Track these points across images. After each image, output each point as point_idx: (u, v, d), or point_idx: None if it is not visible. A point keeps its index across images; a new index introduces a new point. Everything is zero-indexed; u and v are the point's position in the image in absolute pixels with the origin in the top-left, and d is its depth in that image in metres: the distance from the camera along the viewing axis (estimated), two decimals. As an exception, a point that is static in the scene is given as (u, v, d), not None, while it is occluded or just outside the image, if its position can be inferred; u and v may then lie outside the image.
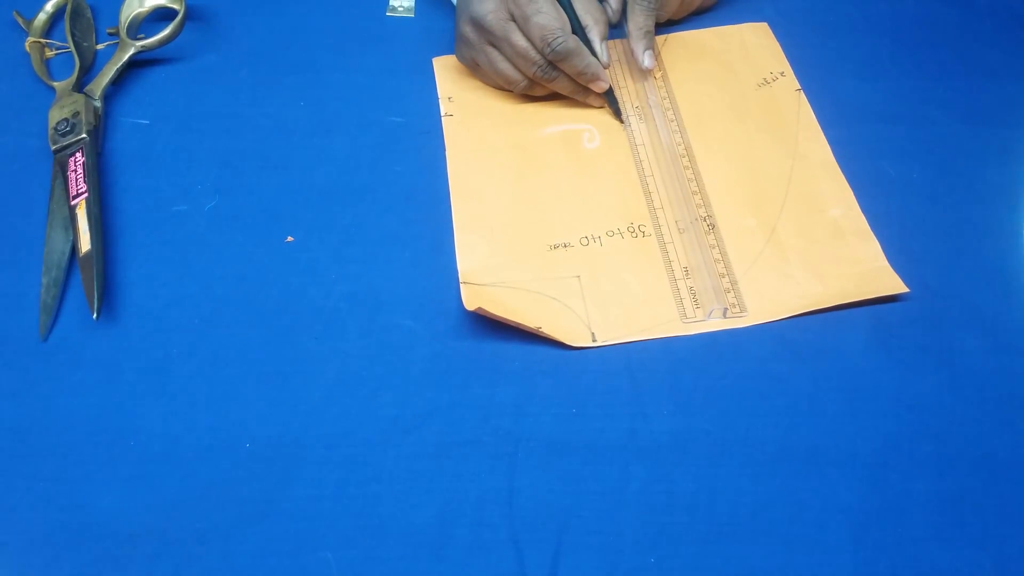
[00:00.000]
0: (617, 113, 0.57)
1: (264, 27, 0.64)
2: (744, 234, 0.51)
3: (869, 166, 0.55)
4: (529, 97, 0.57)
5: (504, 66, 0.55)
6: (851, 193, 0.52)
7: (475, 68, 0.57)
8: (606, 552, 0.40)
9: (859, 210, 0.51)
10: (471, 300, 0.46)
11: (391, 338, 0.47)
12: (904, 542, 0.41)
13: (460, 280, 0.48)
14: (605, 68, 0.55)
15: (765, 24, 0.62)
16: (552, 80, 0.55)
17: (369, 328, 0.48)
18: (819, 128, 0.56)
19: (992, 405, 0.45)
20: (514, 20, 0.53)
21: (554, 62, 0.53)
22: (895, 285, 0.48)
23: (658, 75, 0.59)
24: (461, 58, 0.58)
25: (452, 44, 0.59)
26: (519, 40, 0.53)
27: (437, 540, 0.41)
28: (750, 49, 0.60)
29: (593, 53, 0.54)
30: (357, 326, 0.48)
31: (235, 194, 0.54)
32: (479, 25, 0.54)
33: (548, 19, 0.52)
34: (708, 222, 0.51)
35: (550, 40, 0.52)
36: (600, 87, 0.55)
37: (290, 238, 0.52)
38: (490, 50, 0.55)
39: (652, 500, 0.42)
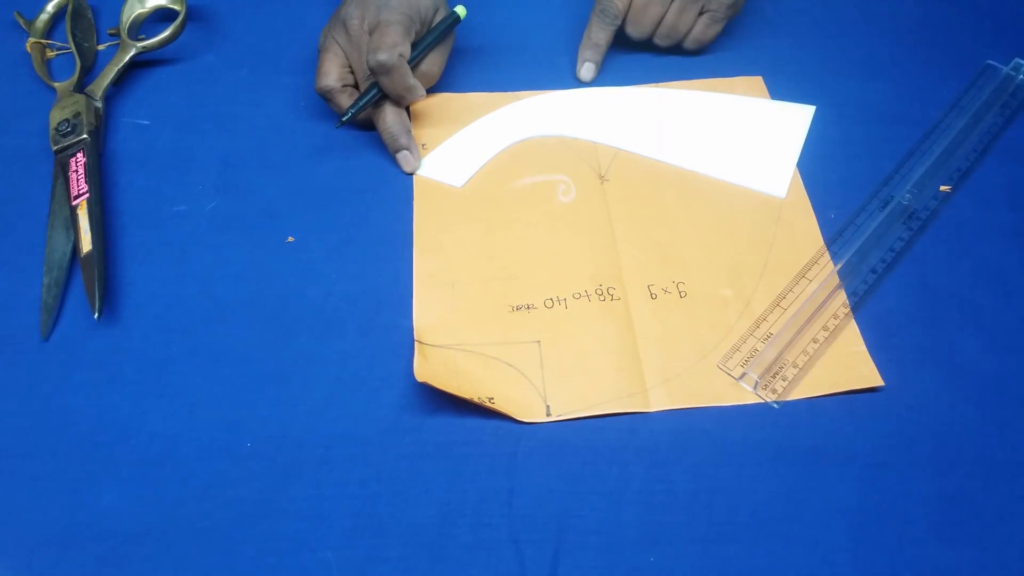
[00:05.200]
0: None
1: (264, 27, 0.64)
2: (717, 305, 0.48)
3: (869, 166, 0.55)
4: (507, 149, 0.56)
5: (329, 66, 0.55)
6: (832, 267, 0.49)
7: (321, 53, 0.56)
8: (606, 552, 0.40)
9: (841, 289, 0.49)
10: (421, 369, 0.44)
11: (391, 338, 0.47)
12: (904, 542, 0.41)
13: (415, 339, 0.46)
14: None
15: (759, 78, 0.60)
16: (376, 100, 0.54)
17: (369, 328, 0.48)
18: (805, 192, 0.54)
19: (992, 405, 0.45)
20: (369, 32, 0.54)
21: (373, 72, 0.52)
22: (872, 378, 0.45)
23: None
24: (322, 36, 0.57)
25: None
26: (363, 47, 0.54)
27: (437, 540, 0.41)
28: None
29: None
30: (357, 326, 0.48)
31: (235, 194, 0.54)
32: (342, 26, 0.54)
33: (390, 35, 0.52)
34: (680, 289, 0.49)
35: (375, 49, 0.52)
36: (410, 99, 0.54)
37: (290, 238, 0.52)
38: (335, 47, 0.55)
39: (652, 500, 0.42)
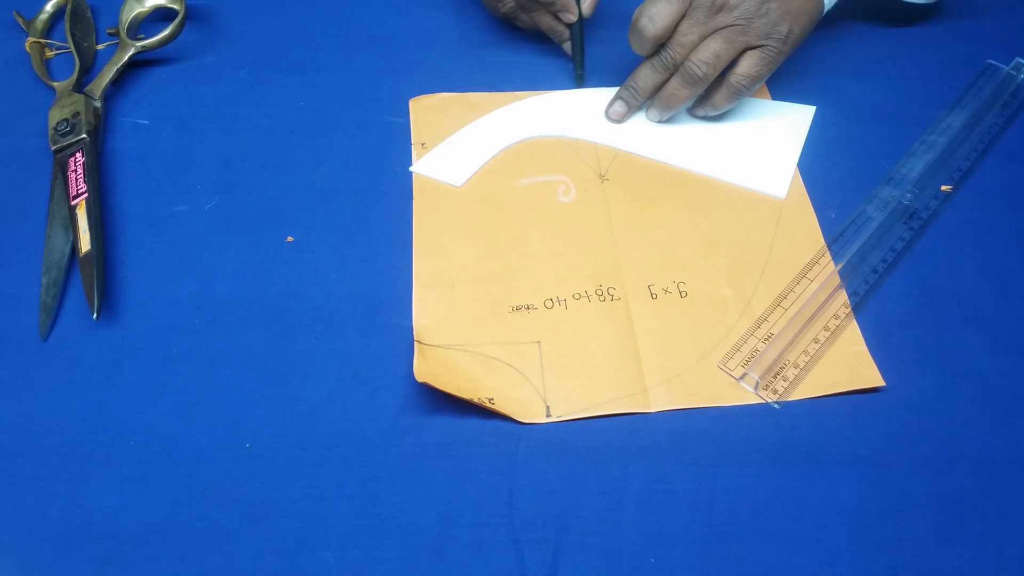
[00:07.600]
0: (577, 69, 0.59)
1: (264, 27, 0.64)
2: (717, 305, 0.48)
3: (869, 166, 0.55)
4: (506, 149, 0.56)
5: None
6: (833, 267, 0.49)
7: None
8: (606, 552, 0.40)
9: (842, 289, 0.49)
10: (421, 369, 0.44)
11: (391, 338, 0.47)
12: (904, 542, 0.41)
13: (415, 339, 0.46)
14: (579, 17, 0.58)
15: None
16: (531, 8, 0.59)
17: (369, 328, 0.48)
18: (805, 192, 0.53)
19: (992, 405, 0.45)
20: None
21: None
22: (873, 378, 0.45)
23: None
24: None
25: (448, 48, 0.59)
26: None
27: (437, 540, 0.41)
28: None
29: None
30: (357, 326, 0.48)
31: (235, 194, 0.54)
32: None
33: None
34: (681, 289, 0.49)
35: None
36: (567, 18, 0.58)
37: (290, 238, 0.52)
38: None
39: (652, 500, 0.42)
